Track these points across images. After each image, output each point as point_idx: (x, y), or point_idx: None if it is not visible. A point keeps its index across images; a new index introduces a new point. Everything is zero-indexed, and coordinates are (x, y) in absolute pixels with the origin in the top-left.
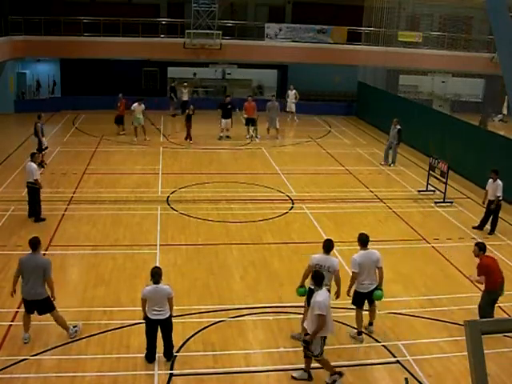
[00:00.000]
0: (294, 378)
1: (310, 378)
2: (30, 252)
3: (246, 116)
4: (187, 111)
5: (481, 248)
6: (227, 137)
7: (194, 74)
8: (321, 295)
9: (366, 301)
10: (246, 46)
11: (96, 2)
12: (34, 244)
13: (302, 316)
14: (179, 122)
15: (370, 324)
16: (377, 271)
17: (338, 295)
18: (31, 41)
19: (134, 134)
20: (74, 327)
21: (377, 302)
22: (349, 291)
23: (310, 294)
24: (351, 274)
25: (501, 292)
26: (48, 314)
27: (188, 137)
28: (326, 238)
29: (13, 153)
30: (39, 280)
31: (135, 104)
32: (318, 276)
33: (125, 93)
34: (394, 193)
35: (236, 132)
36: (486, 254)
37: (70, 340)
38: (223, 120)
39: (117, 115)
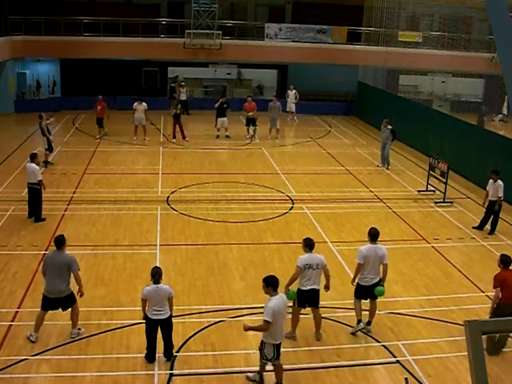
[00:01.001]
0: (247, 377)
1: (261, 379)
2: (55, 249)
3: (247, 114)
4: (175, 110)
5: (502, 260)
6: (227, 136)
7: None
8: (272, 301)
9: (369, 298)
10: (246, 46)
11: (96, 1)
12: (59, 242)
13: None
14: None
15: (369, 323)
16: (381, 267)
17: (327, 288)
18: (31, 41)
19: (133, 133)
20: (79, 329)
21: (377, 302)
22: (353, 280)
23: (299, 294)
24: (356, 265)
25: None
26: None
27: (183, 135)
28: (305, 237)
29: (13, 153)
30: (62, 277)
31: (136, 103)
32: (273, 282)
33: (125, 93)
34: (393, 193)
35: (236, 132)
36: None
37: (69, 340)
38: (218, 119)
39: (96, 117)
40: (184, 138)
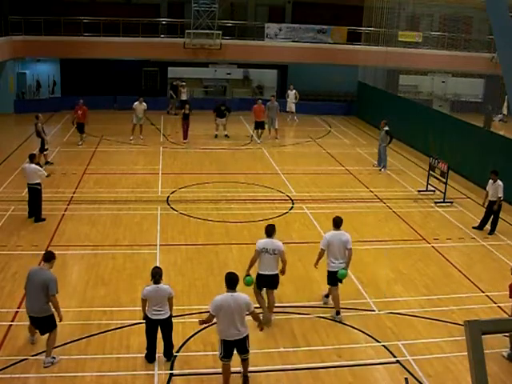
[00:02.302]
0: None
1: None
2: (41, 264)
3: (256, 119)
4: (183, 110)
5: None
6: (226, 136)
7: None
8: (219, 296)
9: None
10: (245, 46)
11: (96, 1)
12: (47, 257)
13: (299, 316)
14: (177, 121)
15: (327, 296)
16: (346, 252)
17: (283, 272)
18: (31, 41)
19: (131, 132)
20: (53, 357)
21: (378, 303)
22: (316, 264)
23: (258, 279)
24: (319, 250)
25: None
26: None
27: (185, 137)
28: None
29: (13, 153)
30: (40, 295)
31: (136, 103)
32: (230, 279)
33: (125, 93)
34: (394, 193)
35: (236, 132)
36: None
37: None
38: (218, 119)
39: (77, 122)
40: (185, 138)
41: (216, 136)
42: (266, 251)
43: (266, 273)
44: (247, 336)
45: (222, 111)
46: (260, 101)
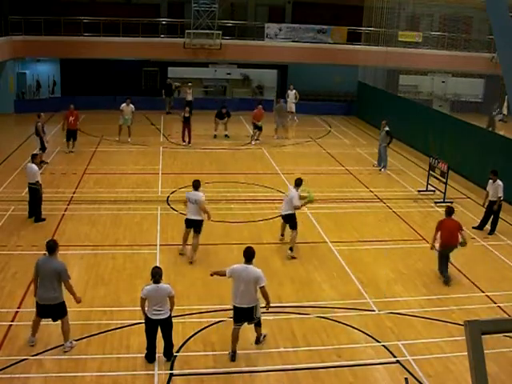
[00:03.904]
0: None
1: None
2: (47, 255)
3: (255, 122)
4: (183, 113)
5: None
6: (226, 136)
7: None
8: (236, 265)
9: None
10: (246, 46)
11: (96, 1)
12: (51, 247)
13: (299, 316)
14: (178, 121)
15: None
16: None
17: (208, 217)
18: (31, 41)
19: (117, 133)
20: (70, 342)
21: (378, 303)
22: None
23: (185, 221)
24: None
25: None
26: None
27: (189, 140)
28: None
29: (13, 153)
30: (53, 284)
31: (123, 104)
32: (247, 252)
33: (125, 93)
34: (393, 193)
35: (236, 132)
36: None
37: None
38: (217, 119)
39: (68, 129)
40: (184, 141)
41: (215, 136)
42: (188, 200)
43: (189, 218)
44: (254, 306)
45: (223, 114)
46: (260, 106)
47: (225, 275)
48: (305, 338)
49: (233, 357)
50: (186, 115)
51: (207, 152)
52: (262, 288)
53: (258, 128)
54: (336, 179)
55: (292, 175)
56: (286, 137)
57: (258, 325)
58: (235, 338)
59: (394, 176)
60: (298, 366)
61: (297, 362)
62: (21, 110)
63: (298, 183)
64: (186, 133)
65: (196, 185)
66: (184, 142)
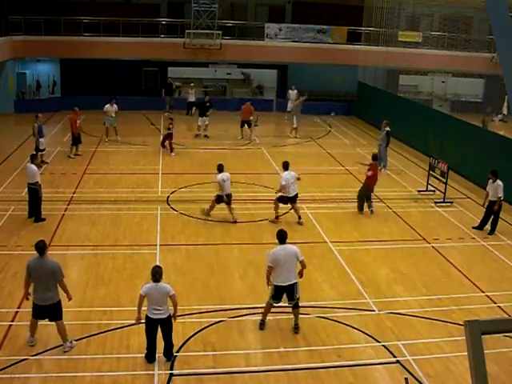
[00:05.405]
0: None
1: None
2: (38, 256)
3: (242, 120)
4: (170, 125)
5: None
6: (205, 136)
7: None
8: (273, 250)
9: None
10: (246, 46)
11: (96, 1)
12: (40, 249)
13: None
14: (179, 121)
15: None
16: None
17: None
18: (31, 41)
19: (105, 134)
20: (70, 342)
21: (378, 303)
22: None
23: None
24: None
25: None
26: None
27: (171, 149)
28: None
29: (13, 153)
30: (50, 284)
31: (107, 105)
32: (281, 234)
33: (125, 93)
34: (393, 193)
35: (234, 133)
36: None
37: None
38: (199, 118)
39: (73, 133)
40: (164, 146)
41: (196, 136)
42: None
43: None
44: (295, 284)
45: (206, 108)
46: (249, 103)
47: (271, 270)
48: (305, 338)
49: (261, 325)
50: (171, 129)
51: (207, 152)
52: (302, 261)
53: (248, 125)
54: (336, 179)
55: None
56: (295, 136)
57: (296, 306)
58: (267, 311)
59: (393, 176)
60: (297, 366)
61: (297, 362)
62: (21, 110)
63: (286, 166)
64: (167, 142)
65: (220, 168)
66: (163, 148)
